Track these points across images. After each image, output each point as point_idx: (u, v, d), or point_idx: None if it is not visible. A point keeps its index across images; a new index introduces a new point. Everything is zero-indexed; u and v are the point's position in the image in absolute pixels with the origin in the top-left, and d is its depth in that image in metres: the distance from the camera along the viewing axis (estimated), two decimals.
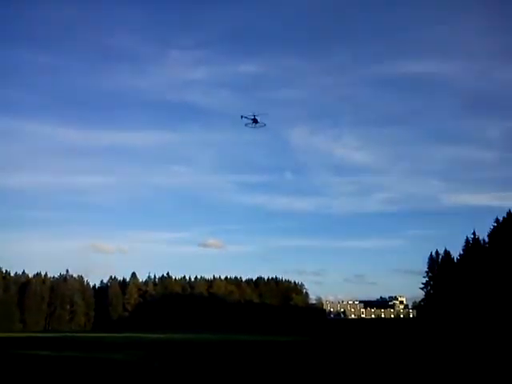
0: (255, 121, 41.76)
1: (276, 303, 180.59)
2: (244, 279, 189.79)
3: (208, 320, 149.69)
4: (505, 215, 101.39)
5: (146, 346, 50.59)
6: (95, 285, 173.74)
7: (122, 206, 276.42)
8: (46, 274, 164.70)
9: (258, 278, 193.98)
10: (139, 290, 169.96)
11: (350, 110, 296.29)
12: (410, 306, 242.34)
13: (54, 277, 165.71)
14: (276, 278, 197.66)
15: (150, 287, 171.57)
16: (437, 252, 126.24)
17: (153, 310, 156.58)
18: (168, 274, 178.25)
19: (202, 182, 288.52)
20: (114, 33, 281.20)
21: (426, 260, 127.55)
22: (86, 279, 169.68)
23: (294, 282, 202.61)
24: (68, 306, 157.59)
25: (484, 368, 25.75)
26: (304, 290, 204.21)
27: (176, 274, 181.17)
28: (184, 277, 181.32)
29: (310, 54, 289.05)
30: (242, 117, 42.13)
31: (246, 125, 42.07)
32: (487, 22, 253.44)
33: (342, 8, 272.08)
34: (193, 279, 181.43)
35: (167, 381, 21.37)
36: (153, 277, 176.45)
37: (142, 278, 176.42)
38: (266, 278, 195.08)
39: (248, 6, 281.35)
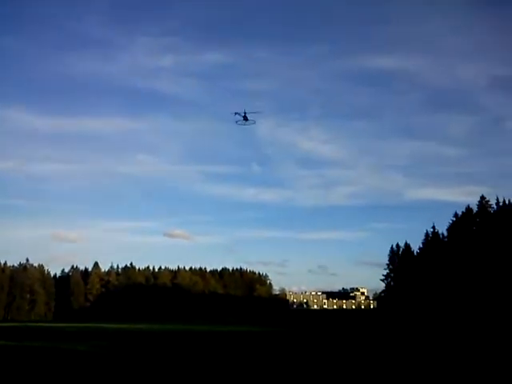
0: (245, 118, 41.60)
1: (240, 294, 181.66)
2: (209, 270, 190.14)
3: (172, 311, 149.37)
4: (464, 210, 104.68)
5: (108, 336, 50.30)
6: (56, 274, 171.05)
7: (86, 194, 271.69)
8: (5, 263, 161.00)
9: (222, 268, 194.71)
10: (101, 279, 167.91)
11: (317, 103, 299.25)
12: (370, 298, 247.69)
13: (13, 265, 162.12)
14: (241, 268, 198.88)
15: (113, 277, 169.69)
16: (397, 245, 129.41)
17: (115, 300, 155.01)
18: (131, 264, 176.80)
19: (169, 171, 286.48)
20: (81, 18, 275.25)
21: (387, 252, 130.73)
22: (46, 268, 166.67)
23: (259, 273, 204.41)
24: (28, 296, 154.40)
25: (439, 356, 26.83)
26: (268, 281, 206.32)
27: (140, 264, 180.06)
28: (148, 267, 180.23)
29: (280, 47, 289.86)
30: (235, 113, 41.82)
31: (236, 122, 41.77)
32: (453, 20, 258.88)
33: (314, 1, 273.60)
34: (157, 270, 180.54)
35: (131, 370, 21.50)
36: (116, 267, 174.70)
37: (104, 267, 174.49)
38: (230, 269, 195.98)
39: None
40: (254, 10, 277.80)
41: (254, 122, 42.52)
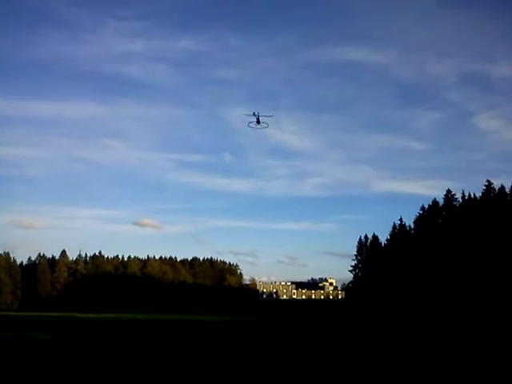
0: (258, 121, 41.37)
1: (210, 284, 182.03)
2: (179, 259, 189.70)
3: (141, 300, 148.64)
4: (430, 203, 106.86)
5: (75, 325, 49.88)
6: (22, 262, 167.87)
7: (53, 180, 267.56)
8: None
9: (193, 258, 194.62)
10: (69, 268, 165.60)
11: (288, 94, 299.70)
12: (339, 288, 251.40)
13: None
14: (211, 258, 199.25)
15: (81, 266, 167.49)
16: (366, 236, 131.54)
17: (83, 289, 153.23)
18: (100, 252, 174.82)
19: (139, 158, 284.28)
20: None
21: (356, 244, 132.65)
22: (12, 256, 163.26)
23: (229, 263, 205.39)
24: None
25: (402, 346, 27.63)
26: (238, 271, 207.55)
27: (109, 253, 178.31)
28: (117, 256, 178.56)
29: (252, 35, 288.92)
30: (253, 114, 41.39)
31: (248, 124, 41.51)
32: (422, 16, 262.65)
33: None
34: (126, 259, 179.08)
35: (97, 360, 21.50)
36: (84, 255, 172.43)
37: (72, 256, 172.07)
38: (201, 259, 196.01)
39: None
40: None
41: (267, 126, 41.96)
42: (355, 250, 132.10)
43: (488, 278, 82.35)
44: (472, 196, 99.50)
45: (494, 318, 55.58)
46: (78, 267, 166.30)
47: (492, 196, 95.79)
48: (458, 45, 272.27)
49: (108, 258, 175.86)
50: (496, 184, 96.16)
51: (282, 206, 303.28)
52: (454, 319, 56.70)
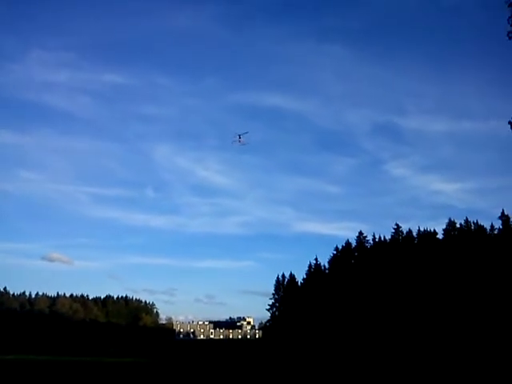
0: (240, 140, 43.95)
1: (124, 323, 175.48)
2: (91, 297, 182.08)
3: (49, 340, 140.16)
4: (344, 244, 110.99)
5: None
6: None
7: None
8: None
9: (106, 296, 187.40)
10: None
11: (214, 133, 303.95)
12: (256, 327, 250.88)
13: None
14: (126, 296, 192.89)
15: None
16: (283, 275, 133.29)
17: None
18: (5, 288, 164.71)
19: (54, 190, 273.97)
20: None
21: (274, 282, 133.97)
22: None
23: (145, 302, 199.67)
24: None
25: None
26: (154, 310, 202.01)
27: (14, 290, 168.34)
28: (23, 292, 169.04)
29: (179, 75, 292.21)
30: (238, 135, 44.63)
31: (232, 142, 44.54)
32: (341, 68, 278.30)
33: (215, 37, 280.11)
34: (33, 295, 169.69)
35: None
36: None
37: None
38: (115, 297, 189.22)
39: (122, 16, 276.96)
40: (155, 35, 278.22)
41: (246, 143, 45.88)
42: (273, 288, 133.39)
43: (398, 318, 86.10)
44: (382, 238, 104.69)
45: (402, 355, 58.13)
46: None
47: (400, 239, 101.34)
48: (372, 97, 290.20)
49: (14, 294, 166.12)
50: (404, 228, 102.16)
51: (203, 243, 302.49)
52: (366, 357, 58.59)
